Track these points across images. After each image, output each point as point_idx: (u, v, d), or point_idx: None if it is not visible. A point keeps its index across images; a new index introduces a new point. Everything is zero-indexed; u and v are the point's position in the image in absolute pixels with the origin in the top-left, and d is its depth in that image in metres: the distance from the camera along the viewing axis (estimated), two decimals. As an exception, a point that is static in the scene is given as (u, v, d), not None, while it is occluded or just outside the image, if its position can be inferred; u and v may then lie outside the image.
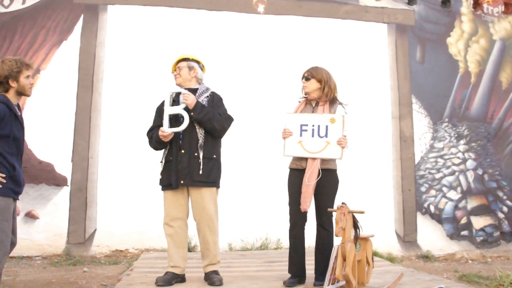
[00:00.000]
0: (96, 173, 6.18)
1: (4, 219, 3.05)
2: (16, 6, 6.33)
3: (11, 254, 5.76)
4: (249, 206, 6.23)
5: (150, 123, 3.83)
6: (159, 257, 4.93)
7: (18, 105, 3.25)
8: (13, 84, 3.13)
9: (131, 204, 6.11)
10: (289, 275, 3.60)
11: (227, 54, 6.55)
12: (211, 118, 3.50)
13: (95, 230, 6.09)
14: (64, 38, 6.38)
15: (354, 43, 6.98)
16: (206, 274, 3.61)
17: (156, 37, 6.52)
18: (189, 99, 3.49)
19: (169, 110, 3.53)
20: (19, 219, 5.90)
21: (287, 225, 6.25)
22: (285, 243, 6.22)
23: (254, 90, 6.54)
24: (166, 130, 3.48)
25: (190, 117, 3.49)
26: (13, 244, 3.27)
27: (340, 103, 3.66)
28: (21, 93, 3.20)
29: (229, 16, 6.74)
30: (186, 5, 6.66)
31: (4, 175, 3.04)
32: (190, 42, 6.52)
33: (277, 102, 6.51)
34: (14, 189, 3.12)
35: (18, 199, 3.23)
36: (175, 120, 3.55)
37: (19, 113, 3.19)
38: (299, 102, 3.79)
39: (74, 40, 6.37)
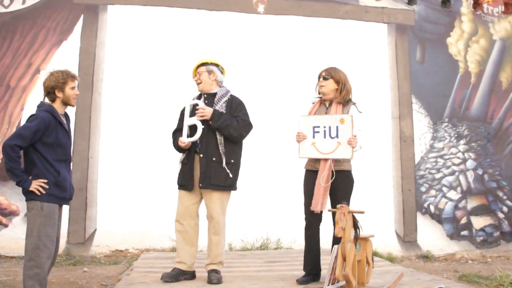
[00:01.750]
0: (96, 173, 6.18)
1: (49, 224, 3.18)
2: (16, 6, 6.33)
3: (12, 254, 5.80)
4: (249, 206, 6.23)
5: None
6: (159, 257, 4.93)
7: (66, 115, 3.43)
8: (59, 94, 3.31)
9: (131, 204, 6.11)
10: (303, 273, 3.67)
11: (227, 54, 6.54)
12: (228, 126, 3.59)
13: (95, 230, 6.09)
14: (64, 38, 6.38)
15: (354, 43, 6.98)
16: (207, 272, 3.64)
17: (156, 37, 6.52)
18: (206, 113, 3.58)
19: (187, 121, 3.68)
20: (19, 219, 5.90)
21: (287, 225, 6.25)
22: (285, 243, 6.22)
23: (253, 90, 6.53)
24: (184, 141, 3.62)
25: (209, 125, 3.61)
26: (56, 251, 3.38)
27: (354, 104, 3.70)
28: (66, 103, 3.36)
29: (229, 16, 6.74)
30: (186, 5, 6.66)
31: (46, 180, 3.17)
32: (190, 42, 6.53)
33: (277, 102, 6.52)
34: (58, 195, 3.24)
35: (67, 204, 3.39)
36: (194, 129, 3.65)
37: (65, 122, 3.35)
38: (313, 103, 3.83)
39: (74, 40, 6.37)
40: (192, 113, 3.68)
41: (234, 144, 3.70)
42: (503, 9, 7.55)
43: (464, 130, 7.17)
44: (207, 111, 3.59)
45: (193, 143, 3.65)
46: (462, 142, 7.12)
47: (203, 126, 3.60)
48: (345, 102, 3.68)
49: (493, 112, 7.32)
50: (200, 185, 3.60)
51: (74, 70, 6.25)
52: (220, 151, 3.61)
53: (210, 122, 3.60)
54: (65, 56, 6.30)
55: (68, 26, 6.40)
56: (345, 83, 3.67)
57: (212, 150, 3.61)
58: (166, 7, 6.60)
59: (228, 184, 3.64)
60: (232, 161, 3.67)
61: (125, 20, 6.51)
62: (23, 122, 6.02)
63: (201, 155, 3.62)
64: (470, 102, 7.27)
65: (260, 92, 6.55)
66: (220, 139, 3.63)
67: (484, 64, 7.39)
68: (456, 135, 7.13)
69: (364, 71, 6.88)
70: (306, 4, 6.96)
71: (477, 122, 7.24)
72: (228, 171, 3.62)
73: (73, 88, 3.35)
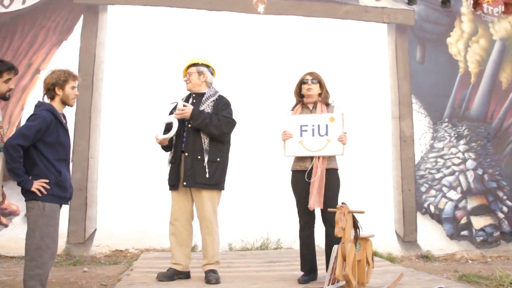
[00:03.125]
0: (96, 173, 6.18)
1: (51, 224, 3.17)
2: (16, 6, 6.33)
3: (12, 254, 5.80)
4: (249, 206, 6.23)
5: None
6: (159, 257, 4.93)
7: (63, 114, 3.41)
8: (58, 92, 3.30)
9: (131, 204, 6.11)
10: (302, 273, 3.70)
11: (227, 54, 6.55)
12: (208, 124, 3.58)
13: (95, 230, 6.09)
14: (64, 38, 6.38)
15: (354, 43, 6.98)
16: (204, 273, 3.64)
17: (156, 37, 6.52)
18: (185, 113, 3.62)
19: (165, 119, 3.74)
20: (19, 219, 5.90)
21: (287, 225, 6.24)
22: (285, 243, 6.22)
23: (253, 90, 6.54)
24: (159, 137, 3.67)
25: (190, 124, 3.65)
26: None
27: (332, 106, 3.81)
28: (65, 102, 3.34)
29: (229, 16, 6.74)
30: (186, 5, 6.66)
31: (47, 181, 3.15)
32: (190, 42, 6.52)
33: (276, 102, 6.51)
34: (60, 195, 3.24)
35: (67, 204, 3.39)
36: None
37: (64, 121, 3.35)
38: (292, 109, 3.88)
39: (74, 40, 6.37)
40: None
41: (220, 143, 3.69)
42: (503, 9, 7.55)
43: (464, 130, 7.17)
44: (187, 110, 3.61)
45: (180, 138, 3.67)
46: (462, 142, 7.12)
47: (189, 125, 3.64)
48: (327, 103, 3.79)
49: (493, 112, 7.32)
50: (184, 183, 3.60)
51: (74, 70, 6.28)
52: (204, 149, 3.61)
53: (191, 122, 3.62)
54: (65, 56, 6.30)
55: (68, 26, 6.40)
56: (325, 85, 3.80)
57: (198, 149, 3.62)
58: (166, 7, 6.60)
59: (213, 183, 3.61)
60: (218, 159, 3.65)
61: (125, 20, 6.51)
62: (22, 122, 6.03)
63: (186, 154, 3.63)
64: (470, 102, 7.27)
65: (260, 92, 6.56)
66: (204, 137, 3.63)
67: (484, 64, 7.39)
68: (456, 135, 7.13)
69: (364, 71, 6.88)
70: (306, 4, 6.95)
71: (477, 122, 7.24)
72: (214, 169, 3.60)
73: (73, 87, 3.34)
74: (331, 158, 3.66)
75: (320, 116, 3.66)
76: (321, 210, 3.64)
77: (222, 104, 3.75)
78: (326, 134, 3.60)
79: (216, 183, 3.64)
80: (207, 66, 3.85)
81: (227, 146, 3.79)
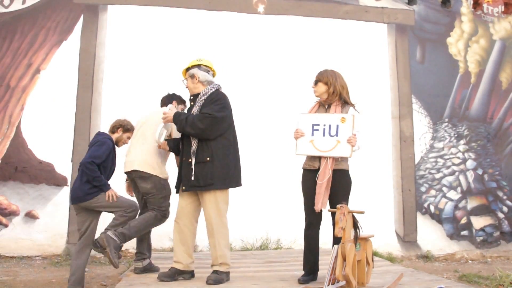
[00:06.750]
0: (96, 173, 6.17)
1: None
2: (16, 6, 6.33)
3: (12, 254, 5.80)
4: (249, 206, 6.23)
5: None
6: (159, 257, 4.93)
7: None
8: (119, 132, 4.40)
9: (131, 204, 6.10)
10: (303, 272, 3.69)
11: (227, 54, 6.55)
12: (184, 126, 3.59)
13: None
14: (64, 38, 6.38)
15: (354, 43, 6.98)
16: None
17: (156, 37, 6.52)
18: (167, 117, 3.73)
19: (160, 124, 3.98)
20: (19, 219, 5.90)
21: (287, 225, 6.25)
22: (285, 243, 6.22)
23: (253, 90, 6.54)
24: (158, 142, 3.97)
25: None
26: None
27: (352, 105, 3.71)
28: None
29: (229, 16, 6.74)
30: (186, 5, 6.66)
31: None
32: (190, 42, 6.52)
33: (277, 102, 6.51)
34: None
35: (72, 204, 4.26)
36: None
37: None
38: (314, 103, 3.87)
39: (74, 40, 6.37)
40: None
41: (210, 141, 3.61)
42: (503, 9, 7.55)
43: (464, 130, 7.17)
44: (169, 114, 3.72)
45: (182, 146, 3.79)
46: (462, 142, 7.12)
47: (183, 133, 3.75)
48: (343, 103, 3.70)
49: (493, 112, 7.32)
50: (183, 188, 3.63)
51: (74, 70, 6.30)
52: (191, 151, 3.61)
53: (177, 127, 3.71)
54: (65, 56, 6.30)
55: (68, 26, 6.40)
56: (334, 83, 3.67)
57: (188, 152, 3.65)
58: (166, 7, 6.60)
59: (205, 184, 3.55)
60: (208, 159, 3.57)
61: (125, 20, 6.51)
62: (23, 122, 6.05)
63: (183, 159, 3.68)
64: (470, 102, 7.27)
65: (260, 91, 6.56)
66: (192, 140, 3.63)
67: (484, 64, 7.39)
68: (456, 135, 7.13)
69: (364, 71, 6.88)
70: (306, 4, 6.95)
71: (477, 122, 7.24)
72: (204, 170, 3.56)
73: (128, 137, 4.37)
74: (342, 159, 3.62)
75: (332, 116, 3.63)
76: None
77: (209, 101, 3.66)
78: (337, 134, 3.57)
79: (209, 183, 3.55)
80: (198, 66, 3.81)
81: (222, 141, 3.65)
